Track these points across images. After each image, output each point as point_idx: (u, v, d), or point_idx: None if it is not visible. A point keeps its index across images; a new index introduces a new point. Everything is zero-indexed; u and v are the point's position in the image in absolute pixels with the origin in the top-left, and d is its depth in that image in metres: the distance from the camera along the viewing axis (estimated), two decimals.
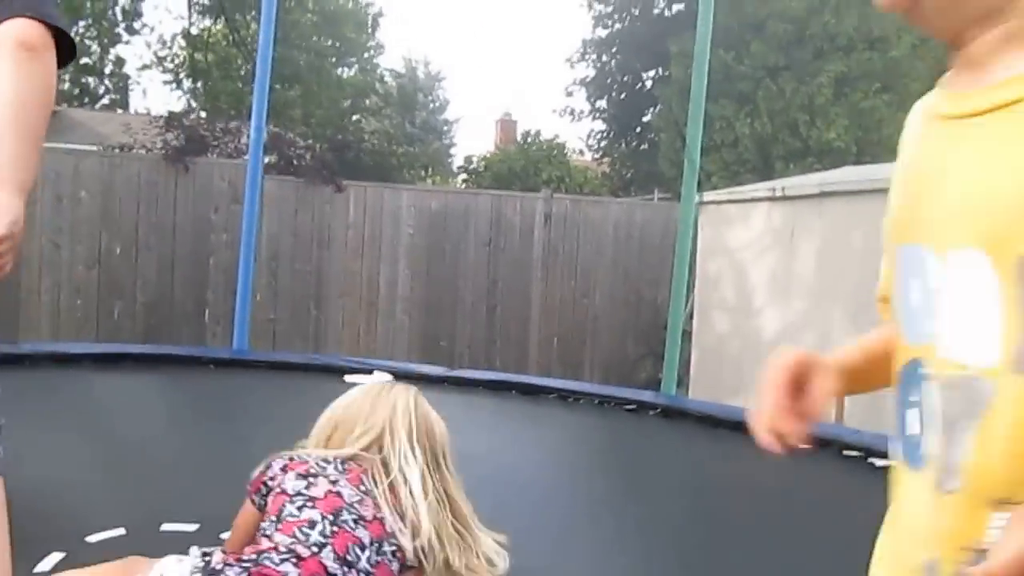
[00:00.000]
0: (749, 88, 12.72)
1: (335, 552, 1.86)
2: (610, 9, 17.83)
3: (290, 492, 1.96)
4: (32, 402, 3.72)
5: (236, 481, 2.05)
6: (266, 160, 8.01)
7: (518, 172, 12.46)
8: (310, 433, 2.15)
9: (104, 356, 4.56)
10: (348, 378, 4.61)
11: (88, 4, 21.13)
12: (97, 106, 29.12)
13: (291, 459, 2.07)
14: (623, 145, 18.39)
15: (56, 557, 2.21)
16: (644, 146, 17.64)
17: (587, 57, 18.43)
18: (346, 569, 1.85)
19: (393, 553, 1.95)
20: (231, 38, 20.02)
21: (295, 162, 9.45)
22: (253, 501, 2.05)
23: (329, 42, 21.15)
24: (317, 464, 2.04)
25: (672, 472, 3.32)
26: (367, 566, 1.88)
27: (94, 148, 10.23)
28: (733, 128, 12.77)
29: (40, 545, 2.24)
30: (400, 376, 4.56)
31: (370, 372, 4.66)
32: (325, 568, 1.83)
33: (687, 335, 6.37)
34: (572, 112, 18.52)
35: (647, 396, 4.43)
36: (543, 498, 2.93)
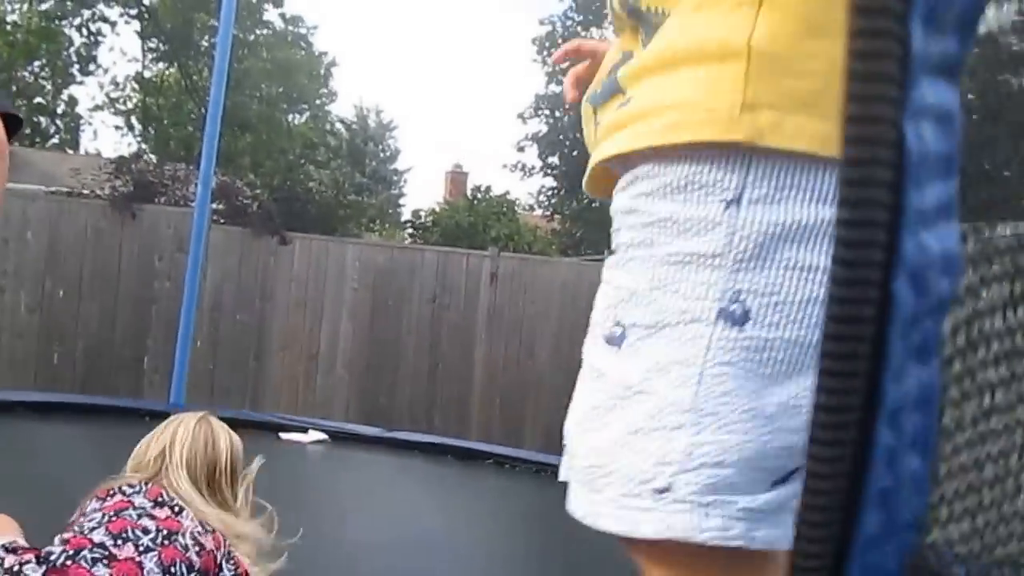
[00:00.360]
0: None
1: (160, 560, 1.98)
2: (565, 65, 18.20)
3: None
4: None
5: None
6: (213, 207, 8.05)
7: (466, 228, 12.60)
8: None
9: (40, 404, 4.55)
10: (283, 435, 4.65)
11: (43, 45, 21.04)
12: (47, 145, 28.84)
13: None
14: (574, 203, 18.69)
15: None
16: (595, 204, 17.94)
17: (540, 112, 18.76)
18: None
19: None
20: (184, 83, 20.07)
21: (242, 212, 9.45)
22: None
23: (281, 90, 21.30)
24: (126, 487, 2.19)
25: (604, 544, 3.40)
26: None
27: (42, 189, 10.18)
28: None
29: None
30: (336, 436, 4.63)
31: (305, 431, 4.71)
32: (142, 568, 1.94)
33: None
34: (523, 167, 18.82)
35: None
36: (471, 564, 2.99)
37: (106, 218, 8.65)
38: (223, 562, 2.10)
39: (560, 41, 17.77)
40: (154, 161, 12.21)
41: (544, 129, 18.70)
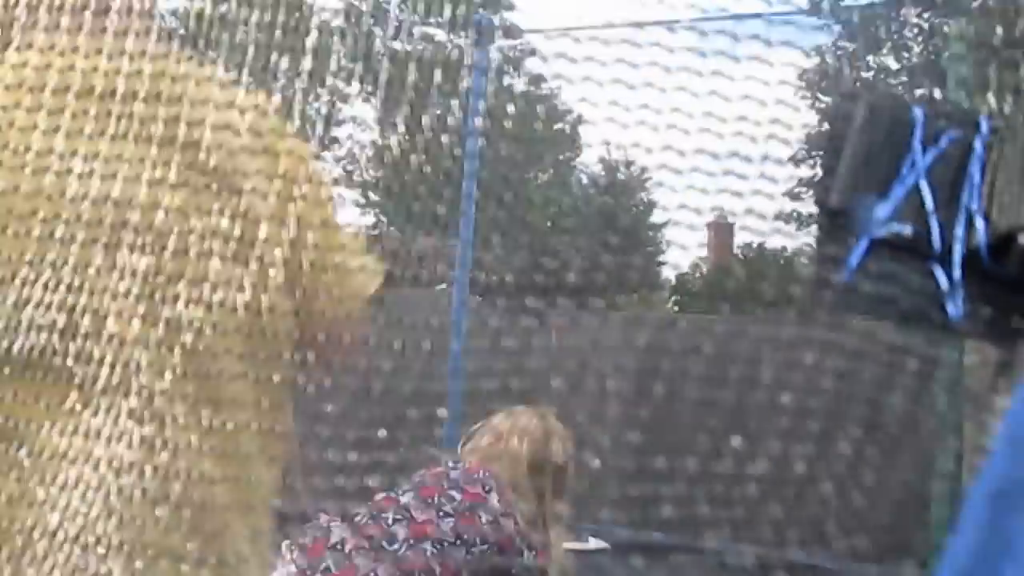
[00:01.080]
0: None
1: None
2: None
3: None
4: None
5: None
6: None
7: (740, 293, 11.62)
8: None
9: None
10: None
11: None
12: None
13: None
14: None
15: None
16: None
17: (813, 155, 17.38)
18: None
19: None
20: (426, 156, 20.30)
21: (496, 287, 9.21)
22: None
23: (523, 156, 21.24)
24: None
25: None
26: None
27: None
28: None
29: None
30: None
31: (586, 540, 4.21)
32: None
33: None
34: (798, 216, 17.34)
35: None
36: None
37: None
38: (523, 547, 2.18)
39: (830, 73, 16.43)
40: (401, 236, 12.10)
41: (820, 173, 17.22)
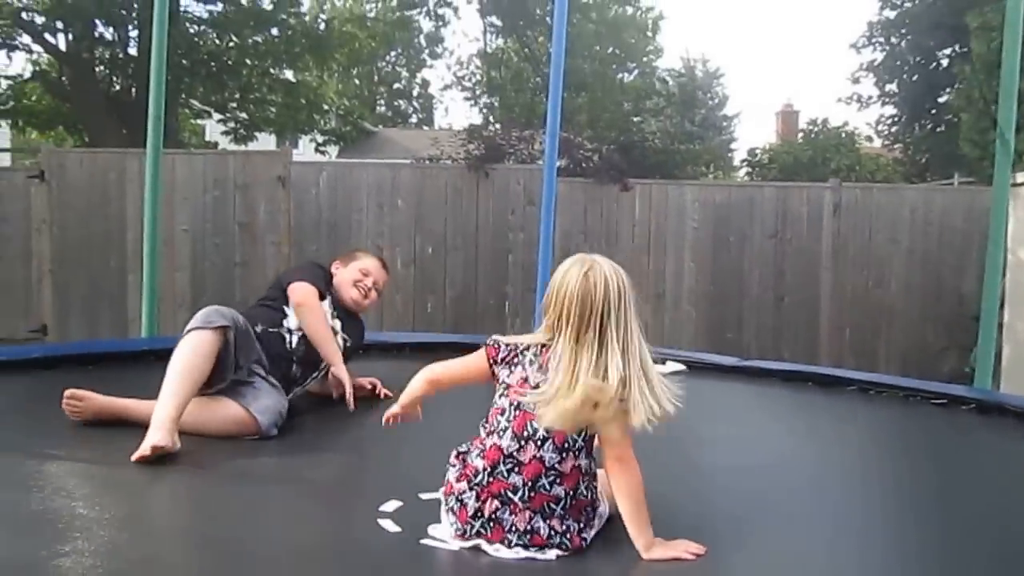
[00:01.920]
0: None
1: (513, 432, 2.13)
2: None
3: (499, 380, 2.21)
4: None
5: None
6: (558, 163, 8.16)
7: (804, 163, 11.86)
8: None
9: (421, 344, 4.77)
10: None
11: (397, 34, 22.50)
12: (407, 124, 31.04)
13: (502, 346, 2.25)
14: (916, 129, 16.98)
15: (395, 504, 2.37)
16: (940, 128, 16.18)
17: (874, 40, 17.15)
18: (522, 443, 2.11)
19: None
20: (522, 53, 20.65)
21: (583, 164, 9.53)
22: (490, 364, 2.23)
23: (611, 49, 21.30)
24: (520, 352, 2.21)
25: (991, 473, 2.95)
26: (544, 434, 2.10)
27: (407, 161, 10.89)
28: None
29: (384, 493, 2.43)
30: (692, 365, 4.45)
31: (663, 362, 4.56)
32: (501, 449, 2.12)
33: (998, 327, 5.74)
34: (859, 99, 17.31)
35: (958, 390, 3.99)
36: (848, 496, 2.70)
37: (463, 180, 9.05)
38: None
39: None
40: (500, 127, 12.61)
41: (880, 57, 17.11)
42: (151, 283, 5.47)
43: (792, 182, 10.17)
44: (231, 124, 15.10)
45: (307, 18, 16.01)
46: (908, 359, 9.02)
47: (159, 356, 3.94)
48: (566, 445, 2.10)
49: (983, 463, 3.11)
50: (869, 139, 18.03)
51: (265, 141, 16.90)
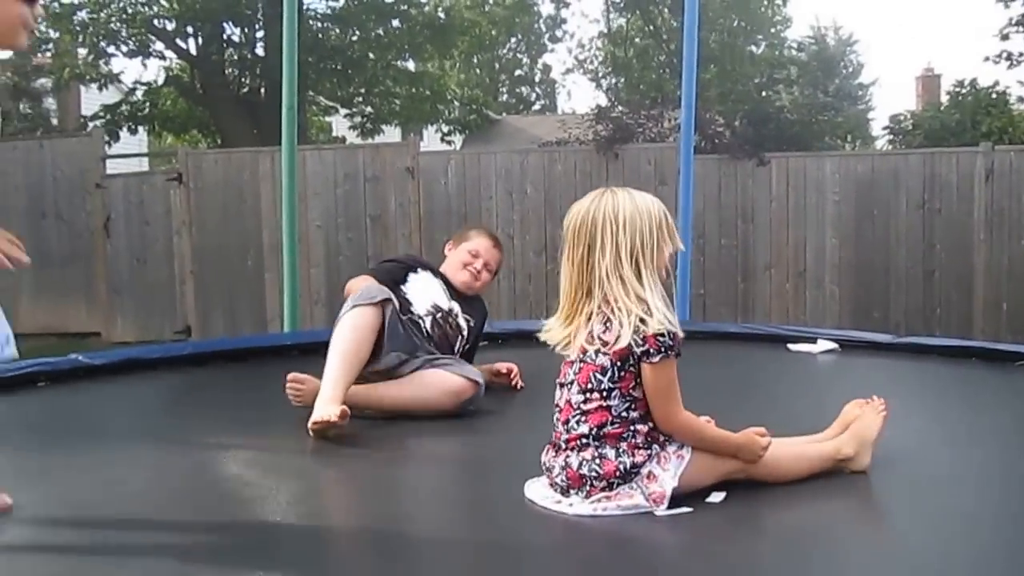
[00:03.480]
0: None
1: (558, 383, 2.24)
2: None
3: None
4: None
5: None
6: (693, 141, 8.01)
7: (952, 127, 11.28)
8: None
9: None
10: (792, 347, 4.44)
11: (516, 19, 22.56)
12: (530, 112, 31.14)
13: None
14: None
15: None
16: None
17: None
18: (563, 390, 2.20)
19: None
20: (646, 30, 20.39)
21: (716, 140, 9.36)
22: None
23: (737, 22, 20.79)
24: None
25: None
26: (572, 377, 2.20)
27: (534, 147, 10.92)
28: None
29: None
30: (844, 343, 4.32)
31: (814, 340, 4.45)
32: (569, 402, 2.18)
33: None
34: (1009, 56, 16.32)
35: None
36: (1013, 475, 2.55)
37: (592, 162, 9.02)
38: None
39: None
40: (628, 106, 12.48)
41: None
42: (292, 278, 5.63)
43: (939, 148, 9.69)
44: (357, 119, 15.47)
45: (427, 8, 16.24)
46: None
47: (303, 350, 4.14)
48: (589, 386, 2.14)
49: None
50: (1022, 99, 16.97)
51: (391, 134, 17.27)
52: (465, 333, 3.51)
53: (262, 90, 14.01)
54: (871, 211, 8.78)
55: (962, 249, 8.66)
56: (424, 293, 3.47)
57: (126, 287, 9.42)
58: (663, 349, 2.08)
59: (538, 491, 2.22)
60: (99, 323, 9.43)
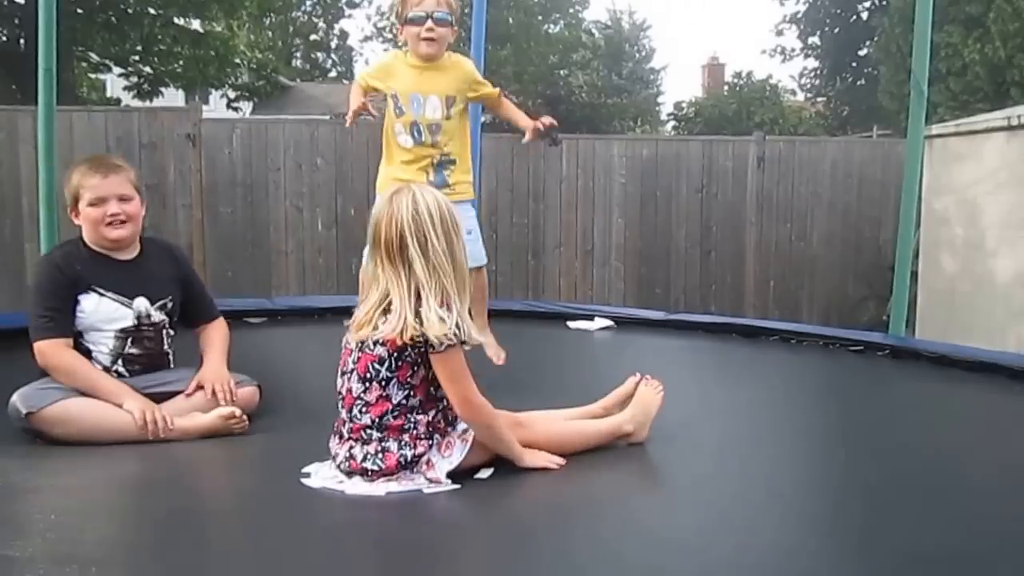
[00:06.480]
0: (979, 10, 11.73)
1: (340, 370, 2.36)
2: None
3: None
4: (286, 352, 3.99)
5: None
6: (482, 119, 8.17)
7: (729, 116, 12.10)
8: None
9: (344, 308, 4.79)
10: (571, 324, 4.68)
11: None
12: (326, 79, 30.50)
13: None
14: (838, 82, 17.45)
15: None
16: (861, 81, 16.65)
17: None
18: (343, 378, 2.34)
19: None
20: None
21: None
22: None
23: (535, 0, 21.25)
24: None
25: (907, 414, 3.16)
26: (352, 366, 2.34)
27: (326, 117, 10.77)
28: (961, 55, 11.85)
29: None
30: (620, 321, 4.61)
31: (591, 318, 4.72)
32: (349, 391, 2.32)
33: (913, 276, 6.02)
34: (783, 51, 17.68)
35: (875, 337, 4.21)
36: (773, 441, 2.86)
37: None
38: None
39: None
40: None
41: (803, 8, 17.47)
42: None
43: (718, 136, 10.39)
44: (134, 79, 14.71)
45: None
46: (830, 310, 9.45)
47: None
48: (368, 376, 2.28)
49: (898, 404, 3.32)
50: (792, 92, 18.42)
51: (172, 97, 16.52)
52: (165, 319, 3.18)
53: (21, 40, 13.02)
54: (654, 193, 9.30)
55: (735, 231, 9.35)
56: (98, 315, 3.07)
57: None
58: (442, 343, 2.23)
59: (322, 472, 2.34)
60: None
